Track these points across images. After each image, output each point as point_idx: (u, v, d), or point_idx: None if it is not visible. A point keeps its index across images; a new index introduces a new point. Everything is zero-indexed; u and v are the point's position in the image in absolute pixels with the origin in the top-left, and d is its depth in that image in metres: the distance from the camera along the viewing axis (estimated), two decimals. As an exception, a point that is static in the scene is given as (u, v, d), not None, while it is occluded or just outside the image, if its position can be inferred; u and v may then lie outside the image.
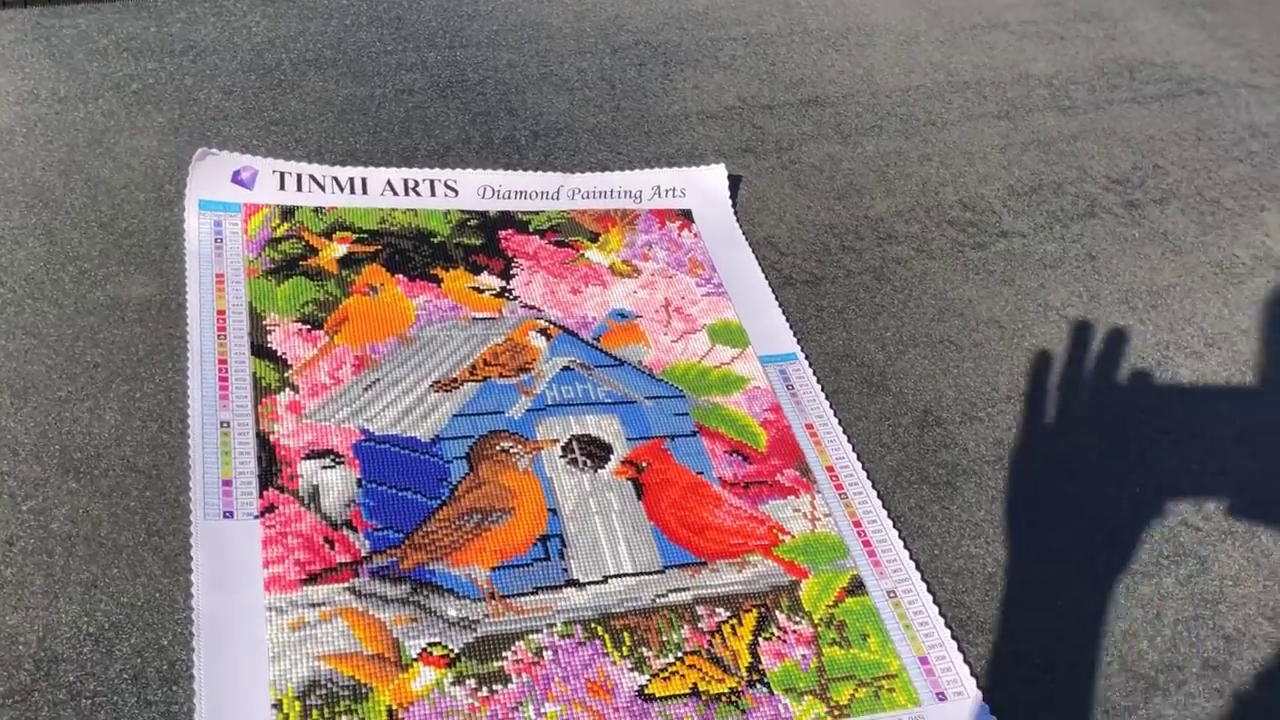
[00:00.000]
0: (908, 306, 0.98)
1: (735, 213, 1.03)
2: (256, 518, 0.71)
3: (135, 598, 0.66)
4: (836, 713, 0.68)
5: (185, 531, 0.69)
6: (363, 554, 0.70)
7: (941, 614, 0.74)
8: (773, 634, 0.72)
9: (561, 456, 0.79)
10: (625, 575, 0.73)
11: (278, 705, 0.62)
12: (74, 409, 0.74)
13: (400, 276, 0.89)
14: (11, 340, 0.77)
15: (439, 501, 0.74)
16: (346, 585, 0.68)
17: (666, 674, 0.68)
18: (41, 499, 0.69)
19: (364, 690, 0.64)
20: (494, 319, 0.88)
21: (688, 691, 0.68)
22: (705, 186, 1.04)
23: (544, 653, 0.68)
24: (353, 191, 0.95)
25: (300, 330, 0.83)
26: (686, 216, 1.02)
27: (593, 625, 0.70)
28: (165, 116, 0.99)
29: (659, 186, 1.03)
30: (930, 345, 0.95)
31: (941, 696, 0.70)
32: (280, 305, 0.84)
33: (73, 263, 0.84)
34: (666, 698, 0.67)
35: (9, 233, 0.85)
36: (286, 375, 0.80)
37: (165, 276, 0.85)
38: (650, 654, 0.69)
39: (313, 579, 0.68)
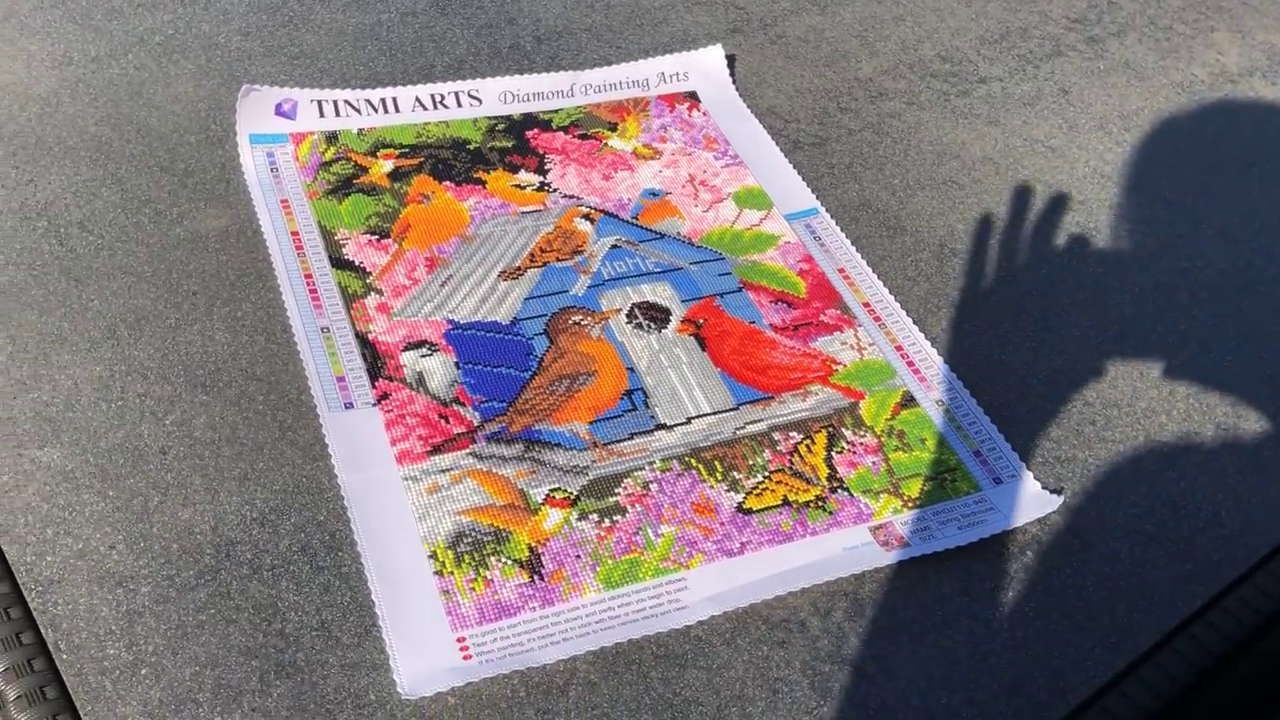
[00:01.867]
0: (909, 155, 1.07)
1: (736, 89, 1.10)
2: (374, 405, 0.78)
3: (286, 484, 0.74)
4: (910, 504, 0.78)
5: (315, 425, 0.77)
6: (475, 424, 0.78)
7: (986, 413, 0.84)
8: (843, 448, 0.81)
9: (627, 322, 0.87)
10: (705, 415, 0.82)
11: (433, 556, 0.71)
12: (185, 334, 0.81)
13: (448, 183, 0.96)
14: (114, 280, 0.84)
15: (530, 373, 0.82)
16: (468, 451, 0.77)
17: (759, 490, 0.78)
18: (180, 412, 0.77)
19: (504, 534, 0.73)
20: (540, 210, 0.95)
21: (779, 502, 0.77)
22: (706, 67, 1.11)
23: (650, 485, 0.77)
24: (386, 111, 1.01)
25: (370, 241, 0.90)
26: (693, 97, 1.09)
27: (687, 459, 0.79)
28: (193, 63, 1.04)
29: (663, 73, 1.10)
30: (935, 187, 1.03)
31: (998, 480, 0.80)
32: (347, 221, 0.91)
33: (147, 205, 0.90)
34: (763, 510, 0.77)
35: (83, 186, 0.91)
36: (369, 281, 0.87)
37: (234, 208, 0.91)
38: (741, 476, 0.78)
39: (437, 449, 0.77)
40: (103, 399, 0.76)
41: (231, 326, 0.82)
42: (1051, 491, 0.79)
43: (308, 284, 0.86)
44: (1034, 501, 0.79)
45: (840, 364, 0.87)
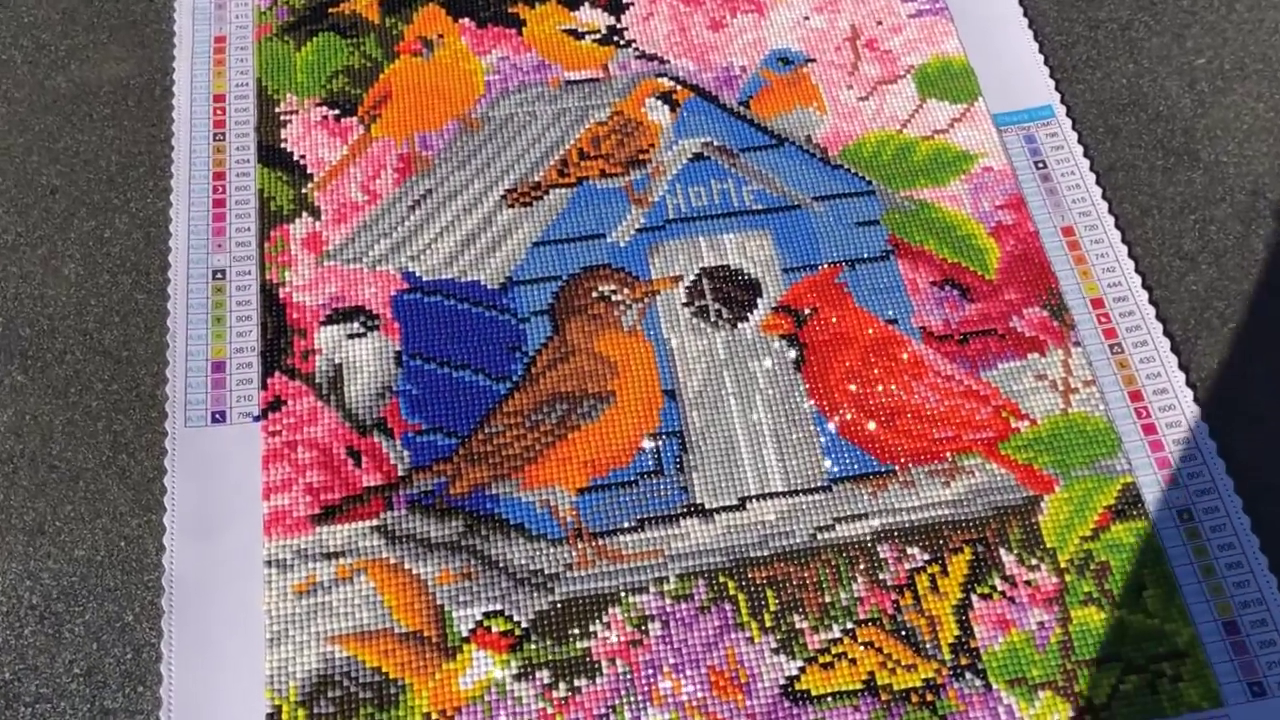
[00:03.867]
0: (1230, 15, 0.64)
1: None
2: (257, 419, 0.51)
3: (94, 549, 0.48)
4: (1089, 716, 0.45)
5: (161, 446, 0.50)
6: (400, 472, 0.50)
7: (1265, 553, 0.48)
8: (993, 588, 0.48)
9: (686, 304, 0.54)
10: (773, 496, 0.50)
11: (274, 716, 0.45)
12: (24, 259, 0.55)
13: (467, 22, 0.62)
14: (-54, 161, 0.58)
15: (509, 385, 0.52)
16: (375, 524, 0.49)
17: (829, 657, 0.47)
18: (-18, 398, 0.52)
19: (392, 691, 0.45)
20: (596, 80, 0.61)
21: (859, 685, 0.46)
22: None
23: (649, 624, 0.47)
24: (400, -110, 0.67)
25: (326, 118, 0.59)
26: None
27: (721, 579, 0.48)
28: None
29: None
30: (1270, 80, 0.61)
31: (1258, 690, 0.46)
32: (300, 80, 0.60)
33: (27, 33, 0.62)
34: (828, 696, 0.46)
35: (-55, -4, 0.63)
36: (305, 191, 0.57)
37: (149, 47, 0.62)
38: (805, 624, 0.47)
39: (329, 514, 0.49)
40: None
41: (89, 254, 0.55)
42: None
43: (214, 190, 0.57)
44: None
45: (1026, 419, 0.52)
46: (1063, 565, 0.48)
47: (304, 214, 0.56)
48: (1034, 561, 0.48)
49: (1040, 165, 0.59)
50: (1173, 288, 0.55)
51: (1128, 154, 0.59)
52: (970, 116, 0.60)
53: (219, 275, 0.54)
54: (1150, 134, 0.60)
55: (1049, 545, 0.49)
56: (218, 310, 0.53)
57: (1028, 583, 0.48)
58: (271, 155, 0.58)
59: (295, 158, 0.58)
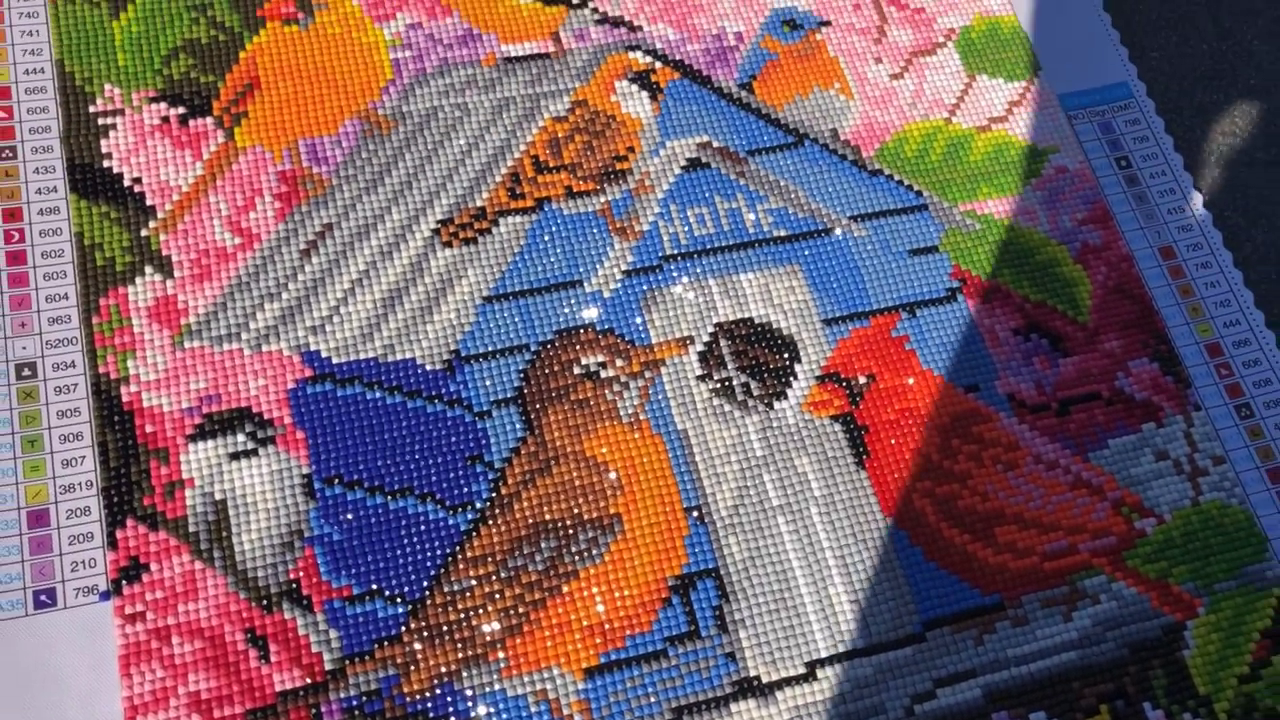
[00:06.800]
0: (1327, -42, 0.52)
1: None
2: (106, 597, 0.34)
3: None
4: None
5: (-42, 652, 0.33)
6: (328, 664, 0.34)
7: None
8: (1142, 759, 0.36)
9: (702, 378, 0.40)
10: (852, 656, 0.37)
11: None
12: None
13: (356, -29, 0.45)
14: None
15: (471, 515, 0.37)
16: (298, 751, 0.34)
17: None
18: None
19: None
20: (545, 56, 0.45)
21: None
22: None
23: None
24: None
25: (167, 120, 0.41)
26: None
27: (796, 784, 0.35)
28: None
29: None
30: (1379, 45, 0.50)
31: None
32: (122, 63, 0.42)
33: None
34: None
35: None
36: (147, 235, 0.39)
37: (-115, 12, 0.42)
38: (913, 839, 0.35)
39: (228, 742, 0.33)
40: None
41: None
42: None
43: (5, 238, 0.39)
44: None
45: (1151, 515, 0.40)
46: (1223, 712, 0.37)
47: (147, 270, 0.39)
48: (1186, 716, 0.37)
49: (1123, 163, 0.46)
50: (1307, 325, 0.44)
51: (1221, 143, 0.47)
52: (1031, 98, 0.47)
53: (26, 372, 0.37)
54: (1244, 114, 0.48)
55: (1202, 692, 0.37)
56: (29, 427, 0.36)
57: (1183, 746, 0.37)
58: (90, 180, 0.40)
59: (126, 183, 0.40)
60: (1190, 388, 0.42)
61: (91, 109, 0.41)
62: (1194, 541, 0.40)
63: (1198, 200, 0.45)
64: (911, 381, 0.41)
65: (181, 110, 0.41)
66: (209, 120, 0.41)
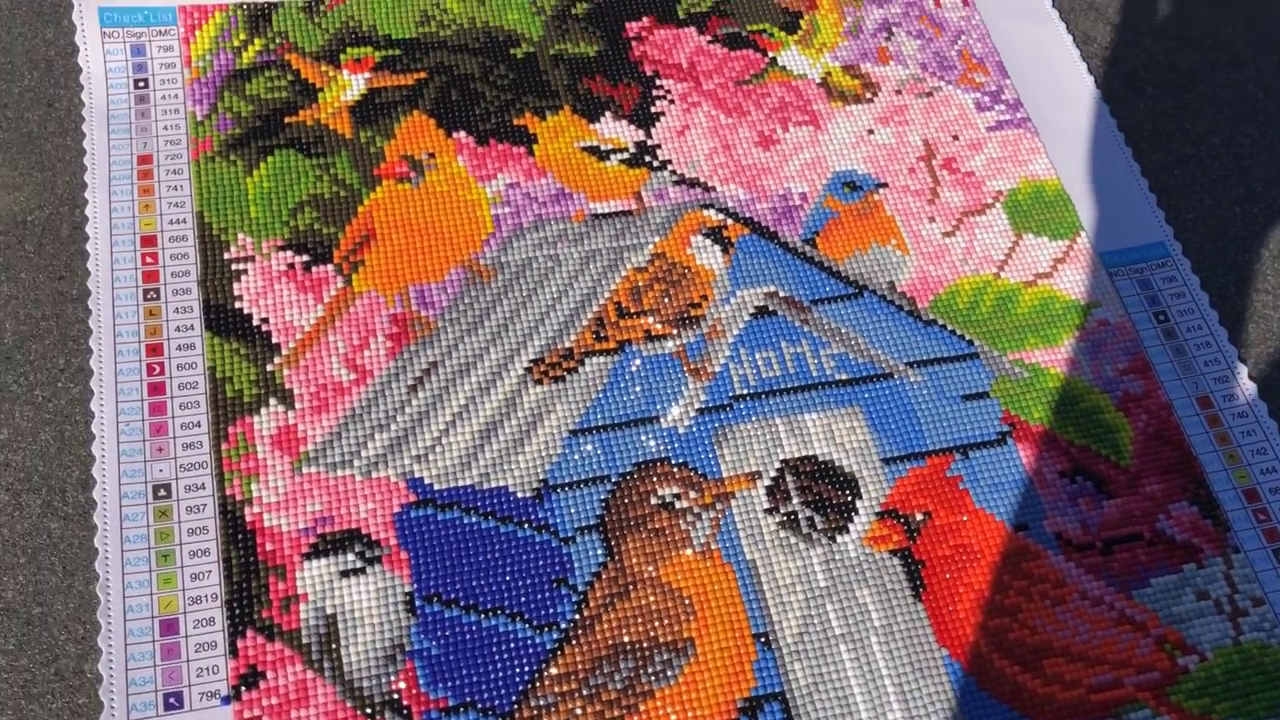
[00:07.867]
0: (1351, 128, 0.56)
1: (1030, -48, 0.59)
2: (227, 701, 0.38)
3: None
4: None
5: (94, 748, 0.37)
6: (423, 770, 0.38)
7: None
8: None
9: (769, 511, 0.43)
10: (906, 774, 0.39)
11: None
12: (-107, 473, 0.41)
13: (463, 137, 0.50)
14: None
15: (557, 635, 0.40)
16: None
17: None
18: None
19: None
20: (628, 213, 0.49)
21: None
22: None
23: None
24: (368, -34, 0.54)
25: (292, 266, 0.46)
26: (947, -34, 0.59)
27: None
28: None
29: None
30: (1402, 210, 0.53)
31: None
32: (254, 215, 0.47)
33: (-114, 153, 0.47)
34: None
35: None
36: (272, 370, 0.44)
37: (50, 169, 0.48)
38: None
39: (333, 841, 0.36)
40: None
41: (-17, 464, 0.41)
42: None
43: (148, 370, 0.43)
44: None
45: (1194, 653, 0.42)
46: None
47: (271, 401, 0.43)
48: None
49: (1161, 318, 0.49)
50: (1339, 475, 0.46)
51: (1255, 301, 0.50)
52: (1074, 256, 0.51)
53: (162, 493, 0.41)
54: (1275, 271, 0.51)
55: (1245, 827, 0.39)
56: (162, 543, 0.40)
57: None
58: (223, 319, 0.45)
59: (255, 322, 0.45)
60: (1229, 531, 0.45)
61: (226, 256, 0.46)
62: (1236, 680, 0.42)
63: (1233, 354, 0.48)
64: (965, 519, 0.44)
65: (305, 258, 0.46)
66: (329, 267, 0.46)
